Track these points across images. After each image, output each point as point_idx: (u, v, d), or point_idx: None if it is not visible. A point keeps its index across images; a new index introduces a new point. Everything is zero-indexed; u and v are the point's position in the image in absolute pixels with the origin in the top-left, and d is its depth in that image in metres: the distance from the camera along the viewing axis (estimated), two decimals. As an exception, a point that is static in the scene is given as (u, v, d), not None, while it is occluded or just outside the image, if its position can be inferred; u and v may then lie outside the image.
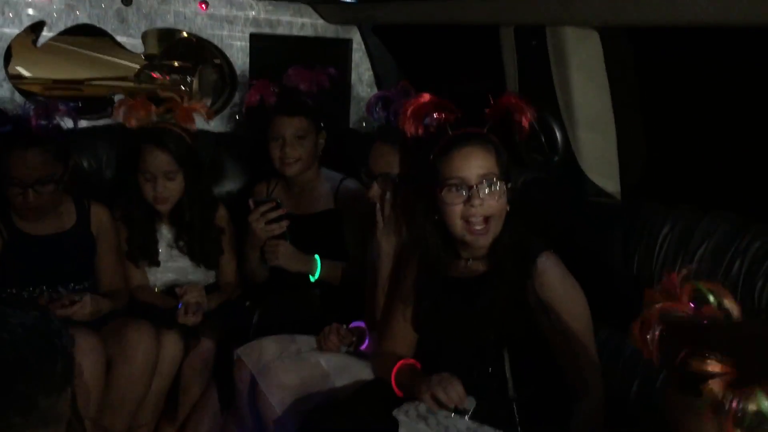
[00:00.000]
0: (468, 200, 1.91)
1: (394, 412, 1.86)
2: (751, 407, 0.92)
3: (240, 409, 2.35)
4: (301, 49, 3.34)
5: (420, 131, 2.17)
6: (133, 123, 2.64)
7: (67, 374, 1.17)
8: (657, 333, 1.03)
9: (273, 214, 2.55)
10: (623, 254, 2.04)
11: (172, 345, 2.47)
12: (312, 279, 2.63)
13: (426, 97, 2.21)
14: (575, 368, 1.92)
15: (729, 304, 1.03)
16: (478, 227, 1.93)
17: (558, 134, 2.36)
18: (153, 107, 2.70)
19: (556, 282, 1.91)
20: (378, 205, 2.29)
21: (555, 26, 2.26)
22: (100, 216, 2.65)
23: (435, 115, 2.16)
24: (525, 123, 2.07)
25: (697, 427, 1.00)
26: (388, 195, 2.27)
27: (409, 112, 2.22)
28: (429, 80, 2.51)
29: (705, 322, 1.01)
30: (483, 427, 1.85)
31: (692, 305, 1.03)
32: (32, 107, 2.49)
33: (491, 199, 1.92)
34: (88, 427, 2.13)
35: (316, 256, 2.61)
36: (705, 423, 0.99)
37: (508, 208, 1.97)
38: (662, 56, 2.32)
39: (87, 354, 2.23)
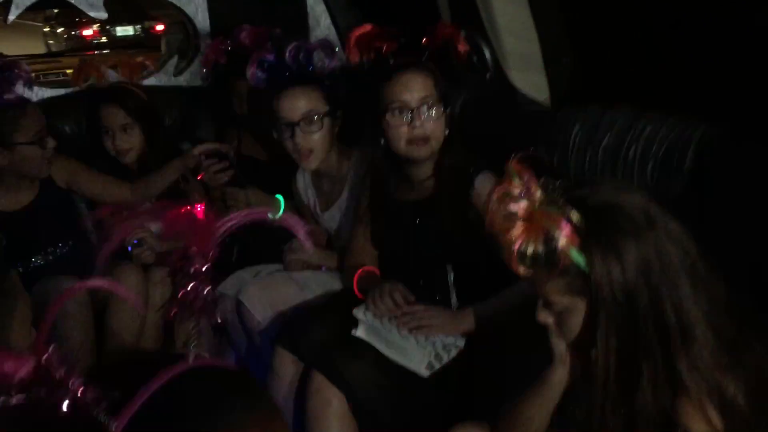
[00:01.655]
0: (410, 122, 2.14)
1: (354, 311, 2.09)
2: (530, 248, 1.17)
3: (230, 333, 2.63)
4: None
5: (364, 59, 2.40)
6: (81, 83, 2.88)
7: None
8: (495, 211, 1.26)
9: (218, 166, 2.77)
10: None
11: (159, 280, 2.67)
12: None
13: (368, 26, 2.43)
14: None
15: (531, 183, 1.23)
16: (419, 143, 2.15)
17: (487, 52, 2.53)
18: (103, 66, 2.91)
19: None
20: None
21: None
22: (59, 165, 2.74)
23: (377, 44, 2.38)
24: (461, 49, 2.34)
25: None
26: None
27: (353, 40, 2.44)
28: (382, 16, 2.63)
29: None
30: None
31: (518, 185, 1.24)
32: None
33: (430, 121, 2.14)
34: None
35: (278, 196, 2.79)
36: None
37: (447, 132, 2.18)
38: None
39: (71, 301, 2.40)
